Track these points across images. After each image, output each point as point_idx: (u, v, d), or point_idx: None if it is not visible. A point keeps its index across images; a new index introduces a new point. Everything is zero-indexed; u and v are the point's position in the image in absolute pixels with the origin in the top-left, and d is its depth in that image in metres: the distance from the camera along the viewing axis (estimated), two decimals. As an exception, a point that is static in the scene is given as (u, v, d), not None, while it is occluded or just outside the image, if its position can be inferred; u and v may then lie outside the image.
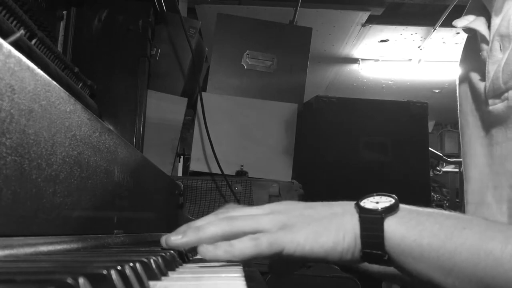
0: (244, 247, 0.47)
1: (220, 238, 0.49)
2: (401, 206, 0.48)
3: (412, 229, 0.46)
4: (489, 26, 0.64)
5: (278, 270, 0.60)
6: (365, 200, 0.49)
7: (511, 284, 0.40)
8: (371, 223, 0.47)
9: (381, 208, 0.47)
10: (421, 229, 0.45)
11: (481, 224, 0.45)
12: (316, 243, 0.47)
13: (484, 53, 0.63)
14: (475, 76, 0.67)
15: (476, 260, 0.42)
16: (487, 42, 0.63)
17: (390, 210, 0.47)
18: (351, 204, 0.50)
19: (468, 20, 0.67)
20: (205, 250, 0.48)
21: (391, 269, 0.50)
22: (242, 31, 2.10)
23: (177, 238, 0.50)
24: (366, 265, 0.68)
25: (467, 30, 0.67)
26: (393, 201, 0.48)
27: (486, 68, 0.62)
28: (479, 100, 0.66)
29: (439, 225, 0.45)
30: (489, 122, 0.64)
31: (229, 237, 0.49)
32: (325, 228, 0.48)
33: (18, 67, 0.42)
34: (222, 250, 0.47)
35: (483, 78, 0.64)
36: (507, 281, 0.40)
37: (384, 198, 0.48)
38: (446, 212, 0.48)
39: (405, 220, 0.46)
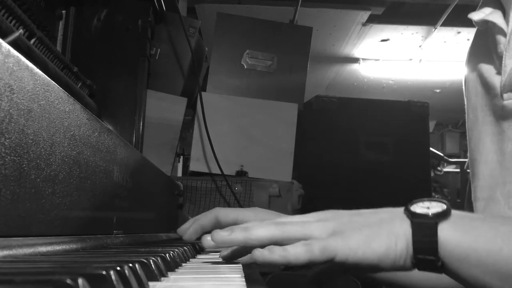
0: (297, 252, 0.46)
1: (268, 242, 0.49)
2: (453, 211, 0.47)
3: (467, 234, 0.45)
4: (505, 19, 0.63)
5: (319, 280, 0.59)
6: (414, 205, 0.48)
7: None
8: (424, 229, 0.46)
9: (433, 213, 0.46)
10: (477, 234, 0.45)
11: None
12: (369, 248, 0.46)
13: (501, 46, 0.62)
14: (487, 70, 0.66)
15: None
16: (504, 35, 0.62)
17: (443, 215, 0.46)
18: (399, 210, 0.49)
19: (484, 13, 0.66)
20: (261, 254, 0.47)
21: (401, 278, 0.49)
22: (242, 30, 2.10)
23: (225, 235, 0.50)
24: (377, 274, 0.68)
25: (482, 23, 0.66)
26: (445, 206, 0.47)
27: (503, 62, 0.61)
28: (492, 95, 0.65)
29: (495, 230, 0.45)
30: (502, 117, 0.63)
31: (277, 242, 0.49)
32: (376, 233, 0.47)
33: (17, 66, 0.42)
34: (277, 254, 0.47)
35: (497, 72, 0.63)
36: None
37: (434, 203, 0.47)
38: (499, 218, 0.47)
39: (459, 225, 0.46)
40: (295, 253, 0.46)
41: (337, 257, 0.46)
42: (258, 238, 0.49)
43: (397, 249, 0.46)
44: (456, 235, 0.45)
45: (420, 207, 0.47)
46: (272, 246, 0.48)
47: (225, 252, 0.59)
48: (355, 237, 0.47)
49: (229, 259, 0.58)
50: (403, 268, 0.47)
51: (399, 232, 0.46)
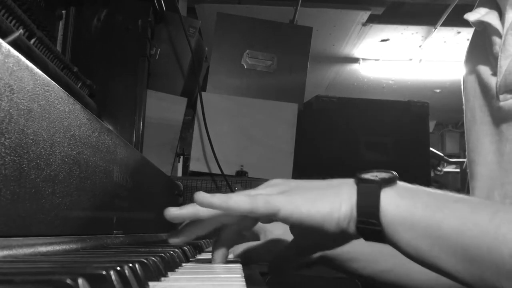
0: (240, 200, 0.47)
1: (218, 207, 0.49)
2: (401, 182, 0.49)
3: (406, 199, 0.46)
4: (500, 20, 0.63)
5: (278, 269, 0.59)
6: (364, 174, 0.49)
7: (494, 254, 0.40)
8: (368, 192, 0.47)
9: (379, 179, 0.47)
10: (416, 200, 0.46)
11: (474, 200, 0.46)
12: (313, 206, 0.47)
13: (497, 47, 0.62)
14: (484, 71, 0.66)
15: (463, 229, 0.42)
16: (500, 36, 0.62)
17: (388, 181, 0.47)
18: (349, 179, 0.50)
19: (480, 14, 0.66)
20: (201, 197, 0.48)
21: (401, 278, 0.49)
22: (242, 30, 2.10)
23: (174, 210, 0.51)
24: (381, 272, 0.68)
25: (478, 23, 0.67)
26: (392, 174, 0.48)
27: (498, 63, 0.61)
28: (489, 96, 0.65)
29: (433, 198, 0.46)
30: (500, 118, 0.63)
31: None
32: (322, 194, 0.48)
33: (17, 66, 0.42)
34: (218, 198, 0.47)
35: (494, 73, 0.64)
36: (490, 251, 0.40)
37: (384, 173, 0.49)
38: (445, 192, 0.48)
39: (401, 192, 0.47)
40: (237, 200, 0.47)
41: (281, 212, 0.47)
42: (210, 202, 0.49)
43: (341, 210, 0.47)
44: (397, 199, 0.46)
45: (369, 175, 0.48)
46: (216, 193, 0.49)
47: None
48: (301, 196, 0.48)
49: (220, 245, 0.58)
50: (347, 232, 0.48)
51: (344, 195, 0.48)
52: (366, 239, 0.49)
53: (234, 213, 0.49)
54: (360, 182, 0.48)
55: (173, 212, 0.51)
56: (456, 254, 0.43)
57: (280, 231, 0.68)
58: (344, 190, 0.48)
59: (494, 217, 0.41)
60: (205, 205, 0.48)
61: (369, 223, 0.46)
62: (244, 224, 0.55)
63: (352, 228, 0.47)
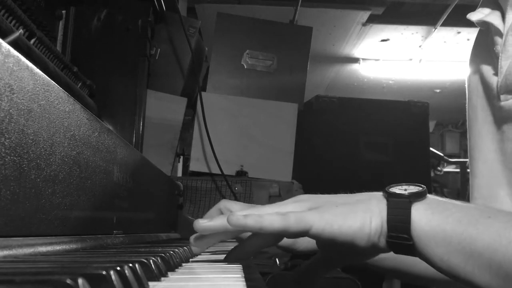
0: (272, 219, 0.47)
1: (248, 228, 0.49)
2: (430, 195, 0.48)
3: (437, 214, 0.46)
4: (503, 20, 0.63)
5: (306, 282, 0.59)
6: (393, 187, 0.49)
7: None
8: (398, 207, 0.47)
9: (409, 193, 0.47)
10: (447, 215, 0.45)
11: (507, 214, 0.45)
12: (344, 223, 0.47)
13: (498, 47, 0.62)
14: (487, 71, 0.66)
15: (496, 246, 0.42)
16: (501, 36, 0.62)
17: (418, 196, 0.47)
18: (377, 192, 0.50)
19: (483, 14, 0.66)
20: (235, 218, 0.48)
21: (399, 264, 0.49)
22: (242, 30, 2.10)
23: (202, 222, 0.51)
24: (377, 260, 0.68)
25: (481, 23, 0.67)
26: (421, 188, 0.48)
27: (499, 63, 0.62)
28: (491, 95, 0.65)
29: (465, 212, 0.45)
30: (501, 118, 0.63)
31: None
32: (352, 210, 0.48)
33: (17, 66, 0.42)
34: (252, 219, 0.47)
35: (495, 73, 0.64)
36: None
37: (412, 187, 0.49)
38: (474, 204, 0.49)
39: (432, 206, 0.47)
40: (270, 219, 0.47)
41: (312, 229, 0.47)
42: (244, 224, 0.49)
43: (372, 226, 0.47)
44: (428, 214, 0.46)
45: (397, 189, 0.49)
46: (250, 212, 0.49)
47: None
48: (331, 212, 0.48)
49: (234, 260, 0.58)
50: (378, 247, 0.48)
51: (374, 210, 0.48)
52: (397, 252, 0.48)
53: (267, 232, 0.48)
54: (389, 197, 0.48)
55: (203, 225, 0.51)
56: (490, 270, 0.42)
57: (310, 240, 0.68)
58: (373, 204, 0.48)
59: None
60: (240, 227, 0.48)
61: (400, 238, 0.46)
62: (270, 241, 0.56)
63: (382, 242, 0.47)
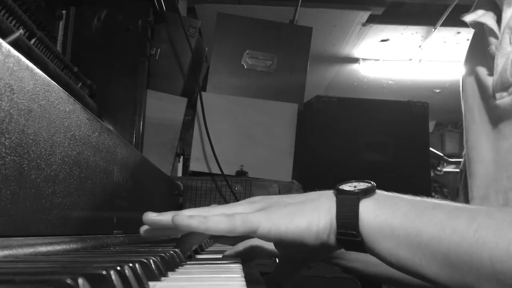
0: (218, 220, 0.47)
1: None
2: (379, 191, 0.49)
3: (385, 209, 0.46)
4: (498, 21, 0.64)
5: (283, 272, 0.60)
6: (343, 185, 0.49)
7: (474, 258, 0.40)
8: (347, 204, 0.47)
9: (358, 189, 0.48)
10: (394, 209, 0.46)
11: (451, 205, 0.46)
12: (291, 223, 0.47)
13: (493, 47, 0.63)
14: (482, 71, 0.67)
15: (441, 236, 0.42)
16: (495, 36, 0.63)
17: (367, 192, 0.48)
18: (328, 191, 0.50)
19: (476, 15, 0.67)
20: (180, 218, 0.48)
21: (389, 272, 0.50)
22: (242, 30, 2.10)
23: (154, 215, 0.51)
24: (361, 266, 0.68)
25: (476, 24, 0.68)
26: (370, 185, 0.49)
27: (495, 62, 0.62)
28: (487, 95, 0.66)
29: (411, 206, 0.46)
30: (497, 117, 0.63)
31: None
32: (300, 209, 0.48)
33: (17, 66, 0.42)
34: (196, 220, 0.47)
35: (490, 73, 0.64)
36: (470, 256, 0.41)
37: (362, 184, 0.49)
38: (422, 198, 0.48)
39: (379, 202, 0.47)
40: (215, 221, 0.47)
41: (259, 230, 0.47)
42: (188, 224, 0.49)
43: (320, 224, 0.47)
44: (375, 209, 0.46)
45: (347, 186, 0.49)
46: (195, 214, 0.49)
47: (229, 251, 0.60)
48: (278, 212, 0.48)
49: (233, 257, 0.58)
50: (328, 244, 0.48)
51: (323, 208, 0.48)
52: (347, 249, 0.49)
53: (213, 234, 0.49)
54: (339, 194, 0.48)
55: (151, 218, 0.51)
56: (436, 261, 0.43)
57: None
58: (323, 202, 0.48)
59: (472, 222, 0.42)
60: (184, 227, 0.48)
61: (348, 235, 0.47)
62: (227, 240, 0.57)
63: (332, 239, 0.48)
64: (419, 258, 0.44)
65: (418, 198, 0.48)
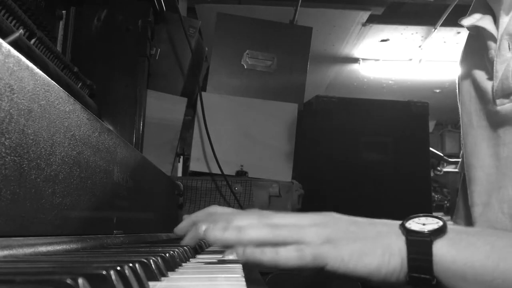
0: (289, 256, 0.46)
1: (260, 244, 0.48)
2: (449, 227, 0.46)
3: (462, 250, 0.44)
4: (495, 25, 0.63)
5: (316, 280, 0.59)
6: (410, 221, 0.47)
7: None
8: (419, 246, 0.45)
9: (429, 231, 0.46)
10: (473, 250, 0.44)
11: None
12: (361, 262, 0.46)
13: (492, 52, 0.62)
14: (480, 75, 0.66)
15: None
16: (495, 40, 0.62)
17: (439, 232, 0.45)
18: (396, 224, 0.48)
19: (475, 19, 0.66)
20: (251, 253, 0.47)
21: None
22: (242, 30, 2.10)
23: (218, 234, 0.49)
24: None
25: (473, 28, 0.67)
26: (441, 223, 0.46)
27: (494, 67, 0.61)
28: (485, 100, 0.65)
29: (491, 245, 0.44)
30: (497, 123, 0.63)
31: (269, 245, 0.48)
32: (370, 248, 0.46)
33: (17, 66, 0.42)
34: (267, 256, 0.46)
35: (489, 77, 0.63)
36: None
37: (430, 219, 0.47)
38: (495, 231, 0.47)
39: (455, 242, 0.45)
40: (286, 256, 0.46)
41: (327, 266, 0.46)
42: (251, 239, 0.48)
43: (390, 266, 0.46)
44: (452, 251, 0.44)
45: (415, 224, 0.47)
46: (265, 248, 0.47)
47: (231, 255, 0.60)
48: (349, 248, 0.46)
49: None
50: (395, 284, 0.47)
51: (393, 248, 0.46)
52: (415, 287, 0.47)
53: (283, 268, 0.47)
54: (408, 235, 0.46)
55: (215, 236, 0.50)
56: None
57: None
58: (392, 241, 0.46)
59: None
60: (255, 262, 0.47)
61: (422, 279, 0.45)
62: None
63: (401, 280, 0.46)
64: None
65: (493, 233, 0.46)
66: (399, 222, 0.48)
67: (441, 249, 0.45)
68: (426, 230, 0.46)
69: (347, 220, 0.50)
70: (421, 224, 0.46)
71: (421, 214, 0.48)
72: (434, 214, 0.49)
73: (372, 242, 0.47)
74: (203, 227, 0.52)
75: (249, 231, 0.49)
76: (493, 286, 0.43)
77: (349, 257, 0.46)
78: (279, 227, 0.49)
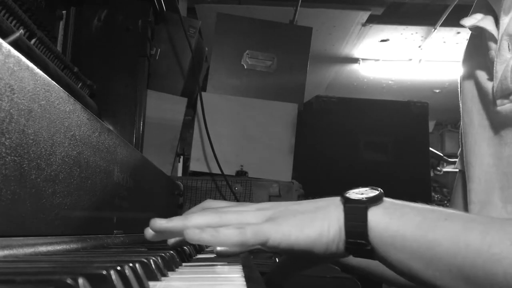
0: (229, 233, 0.47)
1: (205, 227, 0.49)
2: (386, 198, 0.48)
3: (396, 219, 0.46)
4: (496, 25, 0.63)
5: (283, 274, 0.60)
6: (350, 192, 0.49)
7: (489, 274, 0.40)
8: (355, 213, 0.47)
9: (366, 198, 0.47)
10: (405, 219, 0.46)
11: (463, 216, 0.46)
12: (301, 233, 0.47)
13: (492, 52, 0.63)
14: (481, 75, 0.66)
15: (455, 250, 0.42)
16: (495, 41, 0.63)
17: (375, 200, 0.47)
18: (336, 198, 0.50)
19: (476, 19, 0.67)
20: (191, 233, 0.48)
21: (388, 272, 0.50)
22: (242, 30, 2.10)
23: (163, 222, 0.51)
24: (364, 264, 0.68)
25: (475, 29, 0.67)
26: (377, 192, 0.48)
27: (494, 68, 0.62)
28: (486, 100, 0.65)
29: (423, 216, 0.46)
30: (498, 123, 0.63)
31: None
32: (310, 219, 0.48)
33: (18, 67, 0.42)
34: (208, 234, 0.47)
35: (490, 78, 0.64)
36: (485, 271, 0.41)
37: (369, 191, 0.49)
38: (430, 206, 0.48)
39: (389, 211, 0.47)
40: (226, 234, 0.47)
41: (269, 241, 0.47)
42: (195, 223, 0.49)
43: (330, 234, 0.47)
44: (385, 219, 0.46)
45: (355, 194, 0.49)
46: (206, 227, 0.49)
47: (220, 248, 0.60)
48: (289, 222, 0.48)
49: (225, 255, 0.58)
50: (336, 254, 0.48)
51: (332, 217, 0.48)
52: (356, 256, 0.49)
53: (225, 246, 0.49)
54: (346, 202, 0.48)
55: (160, 225, 0.51)
56: (451, 274, 0.43)
57: None
58: (331, 211, 0.48)
59: (485, 236, 0.42)
60: (195, 241, 0.48)
61: (358, 244, 0.47)
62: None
63: (341, 248, 0.48)
64: (432, 271, 0.44)
65: (427, 207, 0.47)
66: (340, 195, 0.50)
67: (375, 216, 0.46)
68: (363, 198, 0.47)
69: (288, 202, 0.53)
70: (360, 194, 0.48)
71: (361, 187, 0.50)
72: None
73: (312, 215, 0.49)
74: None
75: (194, 217, 0.51)
76: (417, 253, 0.44)
77: (290, 230, 0.47)
78: (224, 212, 0.51)
